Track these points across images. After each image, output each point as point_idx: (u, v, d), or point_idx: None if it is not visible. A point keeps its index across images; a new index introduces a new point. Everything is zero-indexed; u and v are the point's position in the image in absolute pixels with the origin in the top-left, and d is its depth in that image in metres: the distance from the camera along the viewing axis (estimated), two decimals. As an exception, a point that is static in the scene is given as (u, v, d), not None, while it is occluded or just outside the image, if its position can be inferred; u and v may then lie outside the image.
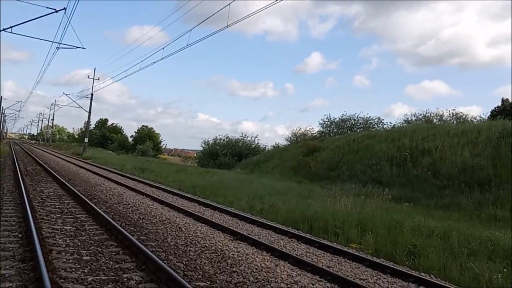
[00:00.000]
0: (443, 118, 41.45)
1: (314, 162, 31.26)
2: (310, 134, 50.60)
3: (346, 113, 49.30)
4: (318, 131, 50.72)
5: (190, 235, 9.82)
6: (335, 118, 49.56)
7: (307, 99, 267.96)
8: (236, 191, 19.64)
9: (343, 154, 29.69)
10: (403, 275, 8.15)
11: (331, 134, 47.41)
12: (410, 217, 13.66)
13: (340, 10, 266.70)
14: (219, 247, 8.89)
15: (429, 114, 43.00)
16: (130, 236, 8.49)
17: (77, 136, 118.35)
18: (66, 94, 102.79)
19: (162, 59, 22.47)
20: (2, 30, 18.63)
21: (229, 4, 15.86)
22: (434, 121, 40.43)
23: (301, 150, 35.84)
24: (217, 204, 15.75)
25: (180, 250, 8.45)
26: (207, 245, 8.99)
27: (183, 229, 10.42)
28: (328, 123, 49.91)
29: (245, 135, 56.07)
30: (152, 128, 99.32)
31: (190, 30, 17.95)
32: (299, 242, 10.51)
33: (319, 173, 28.50)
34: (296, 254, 8.89)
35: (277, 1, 13.76)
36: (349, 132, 44.56)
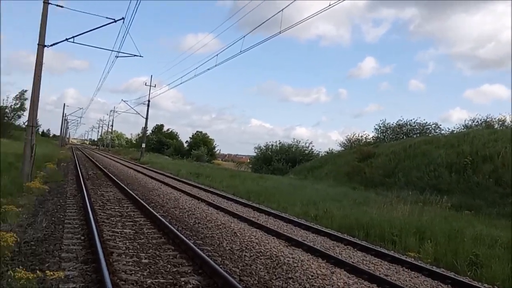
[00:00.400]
0: (505, 123, 39.64)
1: (369, 168, 30.71)
2: (364, 140, 49.80)
3: (403, 119, 48.29)
4: (372, 137, 49.88)
5: (245, 240, 9.88)
6: (391, 123, 48.60)
7: (361, 104, 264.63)
8: (290, 196, 19.59)
9: (399, 160, 28.98)
10: (465, 286, 7.86)
11: (386, 140, 46.45)
12: (471, 225, 13.16)
13: (395, 14, 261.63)
14: (274, 252, 8.89)
15: (490, 119, 41.29)
16: (187, 240, 8.65)
17: (134, 142, 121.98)
18: (124, 101, 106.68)
19: (216, 65, 22.77)
20: (65, 40, 19.40)
21: (282, 10, 15.92)
22: (496, 126, 38.73)
23: (355, 156, 35.30)
24: (271, 210, 15.76)
25: (235, 255, 8.51)
26: (262, 250, 9.02)
27: (238, 234, 10.49)
28: (384, 128, 48.99)
29: (298, 141, 55.89)
30: (206, 134, 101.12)
31: (243, 36, 18.11)
32: (355, 249, 10.33)
33: (374, 180, 27.95)
34: (352, 262, 8.75)
35: (330, 6, 13.67)
36: (405, 137, 43.51)
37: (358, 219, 13.52)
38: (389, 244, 11.25)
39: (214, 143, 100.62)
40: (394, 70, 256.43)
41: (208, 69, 35.35)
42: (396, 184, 25.14)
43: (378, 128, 49.58)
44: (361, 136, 51.46)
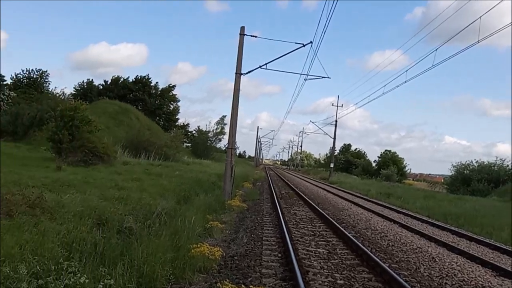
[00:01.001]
0: None
1: None
2: None
3: None
4: None
5: (445, 267, 9.19)
6: None
7: None
8: (495, 220, 17.71)
9: None
10: None
11: None
12: None
13: None
14: (480, 282, 8.09)
15: None
16: (382, 263, 8.37)
17: (323, 162, 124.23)
18: (312, 122, 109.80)
19: (405, 82, 21.88)
20: (258, 67, 20.68)
21: (480, 17, 14.71)
22: None
23: None
24: (473, 235, 14.45)
25: (435, 282, 7.97)
26: (465, 279, 8.27)
27: (437, 260, 9.82)
28: None
29: (501, 159, 50.35)
30: (395, 153, 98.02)
31: (436, 49, 17.13)
32: None
33: None
34: None
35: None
36: None
37: None
38: None
39: (404, 162, 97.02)
40: None
41: (397, 86, 34.42)
42: None
43: None
44: None
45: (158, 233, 8.06)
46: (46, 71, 62.82)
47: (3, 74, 53.37)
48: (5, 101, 47.57)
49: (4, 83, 54.21)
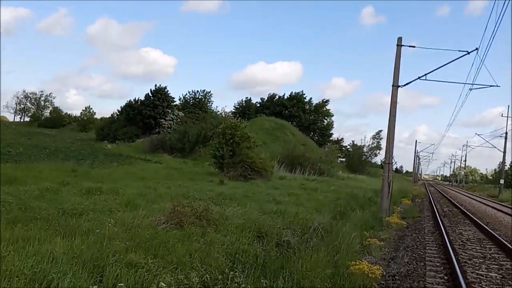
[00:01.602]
0: None
1: None
2: None
3: None
4: None
5: None
6: None
7: None
8: None
9: None
10: None
11: None
12: None
13: None
14: None
15: None
16: None
17: (490, 177, 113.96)
18: (478, 135, 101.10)
19: None
20: (417, 79, 19.70)
21: None
22: None
23: None
24: None
25: None
26: None
27: None
28: None
29: None
30: None
31: None
32: None
33: None
34: None
35: None
36: None
37: None
38: None
39: None
40: None
41: None
42: None
43: None
44: None
45: (315, 247, 8.05)
46: (209, 92, 68.25)
47: (173, 96, 59.37)
48: (175, 121, 52.62)
49: (174, 103, 60.18)
